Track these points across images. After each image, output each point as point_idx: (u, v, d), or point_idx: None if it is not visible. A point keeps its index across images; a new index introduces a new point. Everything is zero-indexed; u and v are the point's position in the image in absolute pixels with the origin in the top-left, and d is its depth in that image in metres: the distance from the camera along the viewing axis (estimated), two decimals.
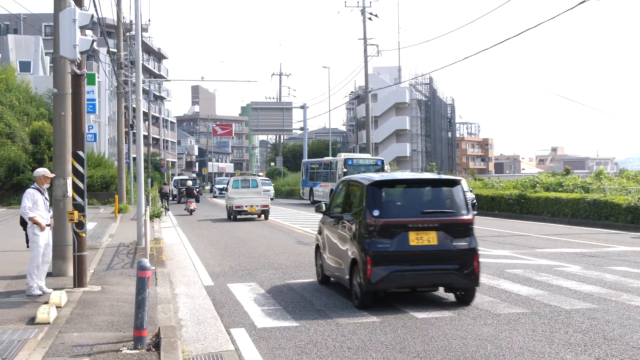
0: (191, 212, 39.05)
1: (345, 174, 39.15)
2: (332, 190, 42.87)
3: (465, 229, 11.21)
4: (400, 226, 10.86)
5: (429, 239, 10.82)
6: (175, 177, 68.84)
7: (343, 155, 47.68)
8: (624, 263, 16.47)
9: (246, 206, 33.19)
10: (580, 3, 27.73)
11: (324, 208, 13.65)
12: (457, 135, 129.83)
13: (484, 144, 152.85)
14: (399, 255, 10.75)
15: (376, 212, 10.87)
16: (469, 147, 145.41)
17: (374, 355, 8.24)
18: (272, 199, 51.76)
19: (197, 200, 46.08)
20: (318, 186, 51.05)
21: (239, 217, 33.77)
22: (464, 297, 11.24)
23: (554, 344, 8.63)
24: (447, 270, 10.91)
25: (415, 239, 10.78)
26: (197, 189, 49.19)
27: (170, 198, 47.08)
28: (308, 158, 74.45)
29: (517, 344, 8.68)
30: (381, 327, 9.67)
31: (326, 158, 54.59)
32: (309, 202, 52.37)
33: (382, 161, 46.70)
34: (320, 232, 13.90)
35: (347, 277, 11.45)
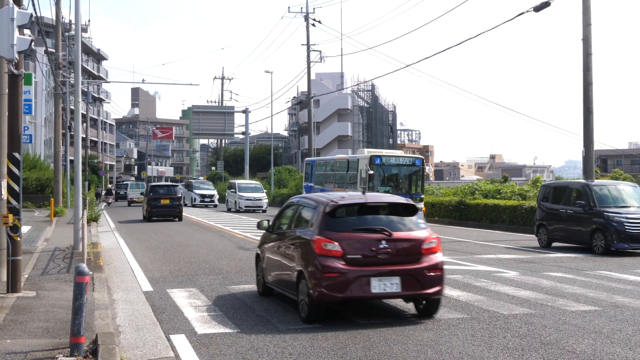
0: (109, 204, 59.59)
1: (370, 177, 32.37)
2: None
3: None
4: None
5: None
6: (153, 183, 63.36)
7: (367, 152, 37.77)
8: (560, 269, 16.83)
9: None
10: (519, 15, 28.28)
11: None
12: (399, 141, 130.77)
13: (425, 151, 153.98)
14: None
15: None
16: (409, 154, 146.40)
17: None
18: (264, 211, 47.64)
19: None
20: (328, 192, 43.29)
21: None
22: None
23: (493, 349, 8.71)
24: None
25: None
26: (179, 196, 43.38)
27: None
28: (250, 163, 73.62)
29: (457, 348, 8.74)
30: (323, 332, 9.65)
31: (340, 156, 46.50)
32: None
33: (422, 160, 34.75)
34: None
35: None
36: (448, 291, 13.19)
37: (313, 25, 58.95)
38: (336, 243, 10.32)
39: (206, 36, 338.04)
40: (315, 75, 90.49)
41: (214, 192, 59.79)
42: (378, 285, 10.17)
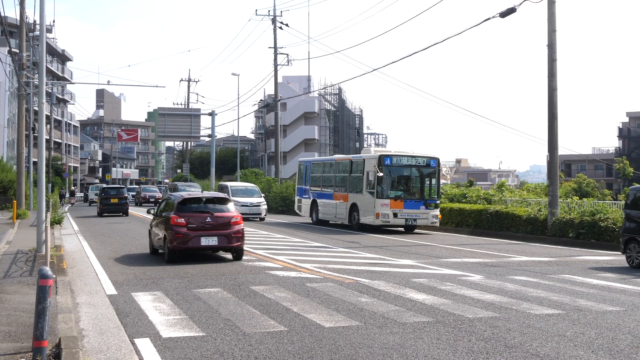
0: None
1: (380, 179, 29.97)
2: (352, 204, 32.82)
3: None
4: None
5: None
6: (105, 186, 61.75)
7: (373, 150, 35.14)
8: (524, 273, 16.97)
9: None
10: (485, 20, 28.51)
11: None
12: (365, 145, 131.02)
13: None
14: None
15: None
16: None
17: None
18: (262, 219, 40.96)
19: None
20: (327, 198, 36.02)
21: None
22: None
23: (458, 352, 8.77)
24: None
25: None
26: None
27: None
28: (216, 166, 72.72)
29: (422, 352, 8.79)
30: (288, 336, 9.65)
31: (340, 156, 41.70)
32: (310, 221, 38.41)
33: (437, 160, 31.65)
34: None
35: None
36: (414, 294, 13.28)
37: (280, 28, 58.96)
38: (182, 219, 18.49)
39: (173, 38, 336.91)
40: (283, 79, 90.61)
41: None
42: (205, 241, 18.53)
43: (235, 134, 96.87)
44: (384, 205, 30.04)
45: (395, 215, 30.21)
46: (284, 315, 11.16)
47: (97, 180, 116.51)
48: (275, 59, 58.44)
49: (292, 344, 9.20)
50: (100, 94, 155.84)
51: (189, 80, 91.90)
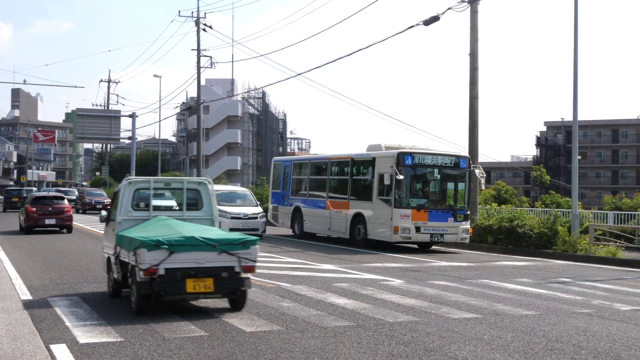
0: None
1: (399, 184, 24.12)
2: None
3: None
4: None
5: None
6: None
7: (384, 146, 27.13)
8: (444, 277, 17.30)
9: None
10: (409, 27, 28.95)
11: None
12: (289, 150, 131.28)
13: None
14: None
15: None
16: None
17: None
18: (260, 236, 27.20)
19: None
20: (317, 206, 29.67)
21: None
22: None
23: (378, 356, 8.88)
24: None
25: None
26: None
27: None
28: (136, 168, 71.13)
29: (343, 356, 8.87)
30: (209, 341, 9.62)
31: (334, 154, 31.52)
32: (291, 233, 31.78)
33: (468, 160, 26.05)
34: None
35: None
36: (335, 298, 13.40)
37: (204, 30, 58.44)
38: (34, 208, 31.59)
39: (93, 38, 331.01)
40: (206, 81, 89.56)
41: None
42: (48, 221, 31.46)
43: (157, 137, 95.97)
44: (404, 217, 24.04)
45: (417, 229, 24.16)
46: (205, 320, 11.12)
47: (12, 182, 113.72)
48: (199, 62, 57.93)
49: (212, 349, 9.18)
50: (16, 94, 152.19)
51: (109, 81, 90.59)
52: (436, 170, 25.48)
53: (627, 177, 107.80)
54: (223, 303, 12.58)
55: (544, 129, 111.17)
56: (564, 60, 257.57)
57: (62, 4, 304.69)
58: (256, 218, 28.88)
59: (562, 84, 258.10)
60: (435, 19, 28.00)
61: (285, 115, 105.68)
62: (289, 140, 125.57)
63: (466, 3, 28.42)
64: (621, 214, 30.94)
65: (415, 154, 24.92)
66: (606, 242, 24.36)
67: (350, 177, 27.84)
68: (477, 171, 26.23)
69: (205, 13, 59.37)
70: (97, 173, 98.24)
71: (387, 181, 24.11)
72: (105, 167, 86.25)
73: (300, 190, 31.70)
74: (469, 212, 25.94)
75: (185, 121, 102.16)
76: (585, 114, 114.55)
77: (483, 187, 27.03)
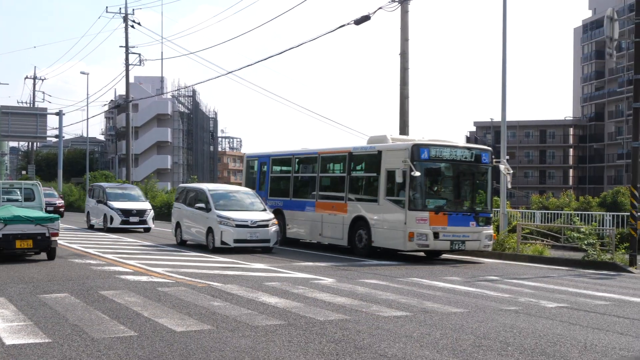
0: None
1: (414, 182, 20.81)
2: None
3: None
4: None
5: None
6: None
7: (390, 139, 23.45)
8: (375, 276, 17.46)
9: None
10: (340, 27, 29.12)
11: None
12: (220, 149, 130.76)
13: None
14: None
15: None
16: (230, 161, 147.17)
17: None
18: (270, 249, 23.57)
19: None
20: (303, 208, 26.11)
21: None
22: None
23: (309, 354, 8.95)
24: None
25: None
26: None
27: None
28: (64, 167, 69.53)
29: (274, 354, 8.92)
30: (139, 341, 9.55)
31: (325, 148, 26.36)
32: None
33: (490, 154, 22.39)
34: None
35: None
36: (266, 297, 13.43)
37: (132, 27, 57.80)
38: None
39: (17, 33, 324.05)
40: (135, 79, 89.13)
41: (147, 205, 34.84)
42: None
43: (85, 135, 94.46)
44: (420, 221, 20.74)
45: (436, 235, 20.89)
46: (135, 320, 11.04)
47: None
48: (127, 59, 57.25)
49: (142, 349, 9.12)
50: None
51: (34, 78, 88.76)
52: (455, 166, 22.07)
53: (554, 177, 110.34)
54: (151, 307, 12.50)
55: (474, 129, 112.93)
56: (494, 61, 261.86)
57: None
58: (267, 226, 23.24)
59: (492, 85, 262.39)
60: (366, 18, 28.22)
61: (216, 113, 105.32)
62: (220, 139, 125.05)
63: (397, 3, 28.70)
64: (548, 213, 31.64)
65: (432, 146, 21.49)
66: (533, 241, 24.90)
67: (347, 174, 24.15)
68: (501, 167, 22.96)
69: (133, 10, 59.78)
70: (23, 172, 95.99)
71: (399, 179, 20.77)
72: (32, 165, 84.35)
73: (282, 190, 28.08)
74: (491, 215, 22.96)
75: (114, 119, 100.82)
76: (514, 115, 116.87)
77: (510, 185, 23.54)
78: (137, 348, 9.18)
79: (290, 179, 27.65)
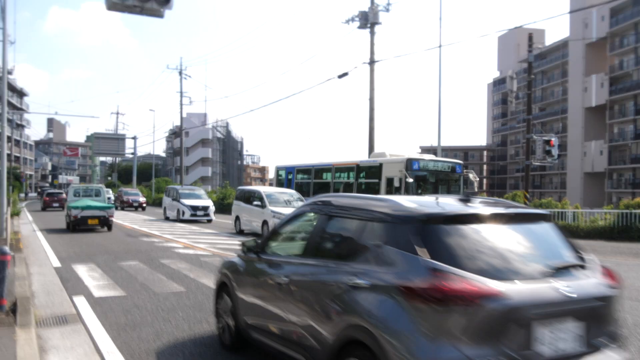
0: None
1: (407, 185, 19.77)
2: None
3: None
4: None
5: None
6: (48, 190, 52.56)
7: (389, 154, 22.81)
8: None
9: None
10: (328, 80, 29.10)
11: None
12: (245, 163, 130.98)
13: (263, 170, 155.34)
14: None
15: None
16: (252, 172, 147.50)
17: (180, 314, 8.09)
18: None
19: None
20: None
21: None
22: None
23: None
24: None
25: None
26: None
27: None
28: (137, 175, 69.32)
29: None
30: (186, 294, 9.52)
31: (338, 161, 25.28)
32: None
33: (462, 166, 21.75)
34: None
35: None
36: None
37: (185, 78, 58.05)
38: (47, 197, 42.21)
39: (106, 82, 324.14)
40: (186, 114, 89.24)
41: (209, 202, 31.81)
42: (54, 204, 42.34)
43: (152, 153, 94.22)
44: None
45: None
46: (184, 280, 10.99)
47: (47, 184, 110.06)
48: (181, 100, 57.16)
49: (189, 300, 9.09)
50: (50, 122, 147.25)
51: (117, 113, 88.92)
52: (437, 174, 21.11)
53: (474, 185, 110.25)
54: (195, 271, 12.47)
55: (420, 150, 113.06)
56: (436, 103, 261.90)
57: (83, 56, 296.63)
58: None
59: (433, 119, 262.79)
60: (345, 74, 28.24)
61: (242, 138, 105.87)
62: (245, 156, 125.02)
63: (367, 64, 28.78)
64: None
65: (420, 160, 20.84)
66: None
67: (355, 180, 23.14)
68: (470, 175, 21.88)
69: (186, 67, 58.50)
70: (109, 178, 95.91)
71: (396, 184, 20.04)
72: (115, 174, 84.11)
73: (303, 192, 26.09)
74: None
75: (172, 142, 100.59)
76: (447, 141, 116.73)
77: (476, 189, 22.16)
78: (185, 299, 9.14)
79: (310, 184, 26.51)
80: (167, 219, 32.68)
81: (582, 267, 4.14)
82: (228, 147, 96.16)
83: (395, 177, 19.94)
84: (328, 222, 4.86)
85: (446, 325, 3.46)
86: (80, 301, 8.84)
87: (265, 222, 20.86)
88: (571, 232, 26.01)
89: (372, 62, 28.83)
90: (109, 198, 48.26)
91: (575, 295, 3.75)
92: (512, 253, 3.87)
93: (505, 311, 3.50)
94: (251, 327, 5.58)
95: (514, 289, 3.59)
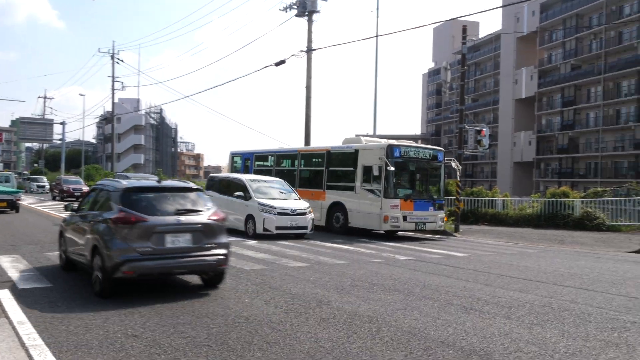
0: None
1: (389, 175, 18.34)
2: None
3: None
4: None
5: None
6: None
7: (365, 139, 21.27)
8: (286, 239, 17.32)
9: None
10: (264, 67, 28.90)
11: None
12: (179, 150, 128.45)
13: (197, 157, 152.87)
14: None
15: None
16: (186, 159, 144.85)
17: (110, 306, 7.88)
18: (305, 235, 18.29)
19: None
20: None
21: None
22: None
23: (237, 293, 8.80)
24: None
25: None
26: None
27: None
28: (65, 162, 67.07)
29: (213, 293, 8.70)
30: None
31: (305, 147, 25.17)
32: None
33: (443, 153, 20.17)
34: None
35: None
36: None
37: (117, 62, 56.24)
38: None
39: (33, 65, 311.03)
40: (118, 100, 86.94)
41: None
42: None
43: (81, 139, 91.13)
44: (394, 207, 18.42)
45: (405, 218, 18.65)
46: None
47: None
48: (113, 85, 55.69)
49: (118, 285, 8.84)
50: None
51: (45, 98, 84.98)
52: (418, 163, 19.56)
53: None
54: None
55: None
56: (372, 88, 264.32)
57: (8, 38, 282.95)
58: (305, 214, 18.01)
59: (370, 107, 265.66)
60: (282, 62, 28.13)
61: (176, 125, 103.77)
62: (179, 143, 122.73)
63: (304, 52, 28.73)
64: None
65: (402, 146, 19.18)
66: None
67: (326, 168, 21.12)
68: (453, 163, 20.61)
69: (118, 51, 56.79)
70: (35, 165, 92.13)
71: (375, 172, 18.46)
72: (42, 160, 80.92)
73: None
74: (444, 202, 20.31)
75: (103, 128, 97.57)
76: (383, 129, 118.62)
77: (459, 177, 21.51)
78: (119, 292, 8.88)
79: (272, 172, 23.59)
80: None
81: (198, 211, 8.66)
82: (162, 134, 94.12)
83: (374, 165, 18.53)
84: (98, 194, 9.66)
85: (125, 234, 8.01)
86: (4, 294, 8.43)
87: (250, 217, 17.88)
88: (501, 220, 26.96)
89: (309, 50, 28.82)
90: (42, 186, 53.39)
91: (185, 222, 8.36)
92: (166, 204, 8.55)
93: (149, 227, 8.07)
94: (69, 252, 10.14)
95: (155, 218, 8.20)
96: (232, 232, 17.23)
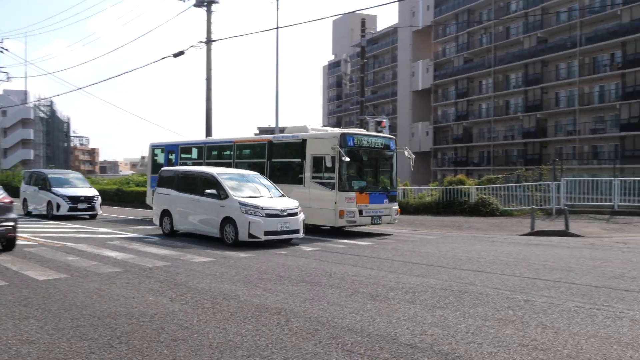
0: None
1: (342, 165, 16.52)
2: None
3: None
4: None
5: None
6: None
7: (310, 128, 18.93)
8: (190, 235, 16.97)
9: None
10: (162, 58, 28.13)
11: None
12: (72, 145, 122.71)
13: (92, 152, 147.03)
14: None
15: None
16: (80, 154, 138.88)
17: (3, 311, 7.38)
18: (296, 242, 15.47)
19: None
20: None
21: None
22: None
23: (141, 291, 8.57)
24: None
25: None
26: None
27: None
28: None
29: (115, 293, 8.49)
30: (9, 289, 8.72)
31: (241, 138, 21.06)
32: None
33: (395, 141, 18.68)
34: None
35: None
36: (109, 252, 12.76)
37: (1, 52, 52.70)
38: None
39: None
40: (4, 92, 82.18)
41: (93, 191, 24.20)
42: None
43: None
44: (349, 201, 16.74)
45: (360, 212, 16.98)
46: (5, 273, 10.09)
47: None
48: None
49: (12, 295, 8.34)
50: None
51: None
52: (371, 152, 17.94)
53: None
54: (20, 264, 11.50)
55: (257, 131, 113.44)
56: (273, 80, 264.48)
57: None
58: (296, 215, 14.82)
59: (271, 99, 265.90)
60: (181, 53, 27.48)
61: (68, 118, 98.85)
62: (72, 137, 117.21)
63: (204, 43, 28.21)
64: None
65: (355, 134, 17.41)
66: None
67: (267, 160, 19.09)
68: (406, 152, 19.06)
69: (3, 39, 53.19)
70: None
71: (328, 163, 16.63)
72: None
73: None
74: (396, 192, 18.95)
75: None
76: (285, 121, 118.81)
77: (412, 167, 20.32)
78: (7, 294, 8.38)
79: (202, 166, 20.83)
80: (28, 214, 24.59)
81: None
82: (53, 128, 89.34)
83: (327, 156, 16.69)
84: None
85: None
86: None
87: (228, 221, 14.50)
88: (402, 208, 27.79)
89: (209, 42, 28.33)
90: None
91: None
92: None
93: None
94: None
95: None
96: (202, 239, 15.51)
